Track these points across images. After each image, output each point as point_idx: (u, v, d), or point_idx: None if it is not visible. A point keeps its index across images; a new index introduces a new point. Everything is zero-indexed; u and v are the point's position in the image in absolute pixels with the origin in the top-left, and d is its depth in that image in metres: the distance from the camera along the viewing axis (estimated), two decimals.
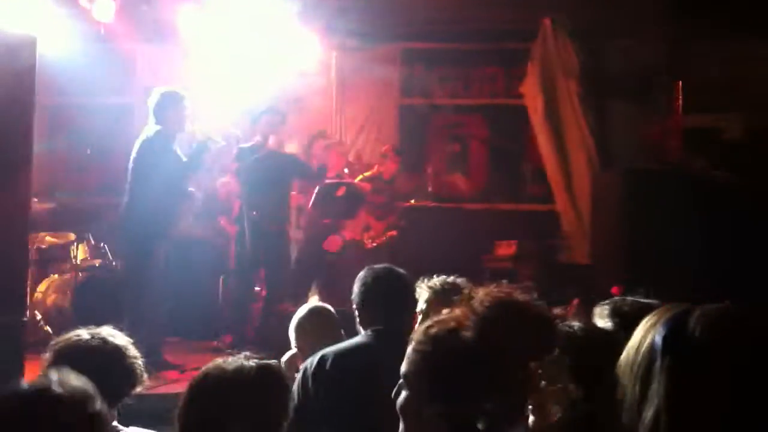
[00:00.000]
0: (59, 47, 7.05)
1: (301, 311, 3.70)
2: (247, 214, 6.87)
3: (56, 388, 1.76)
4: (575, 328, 2.19)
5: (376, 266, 3.39)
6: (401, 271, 3.36)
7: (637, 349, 1.36)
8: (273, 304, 6.85)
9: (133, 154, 6.18)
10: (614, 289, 5.25)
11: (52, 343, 2.65)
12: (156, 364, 6.13)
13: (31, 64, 4.70)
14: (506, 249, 8.05)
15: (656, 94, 7.99)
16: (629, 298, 2.66)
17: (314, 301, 7.09)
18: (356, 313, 3.31)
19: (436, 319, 1.78)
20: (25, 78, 4.68)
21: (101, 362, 2.52)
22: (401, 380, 1.78)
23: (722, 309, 1.35)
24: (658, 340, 1.32)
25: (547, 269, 7.85)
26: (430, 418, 1.69)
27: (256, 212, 6.69)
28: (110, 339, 2.64)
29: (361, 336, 3.21)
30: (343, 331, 3.65)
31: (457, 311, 1.82)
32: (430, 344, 1.72)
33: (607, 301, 2.68)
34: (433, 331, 1.74)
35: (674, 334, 1.31)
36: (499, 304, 1.83)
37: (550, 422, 1.91)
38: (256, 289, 7.16)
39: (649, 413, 1.29)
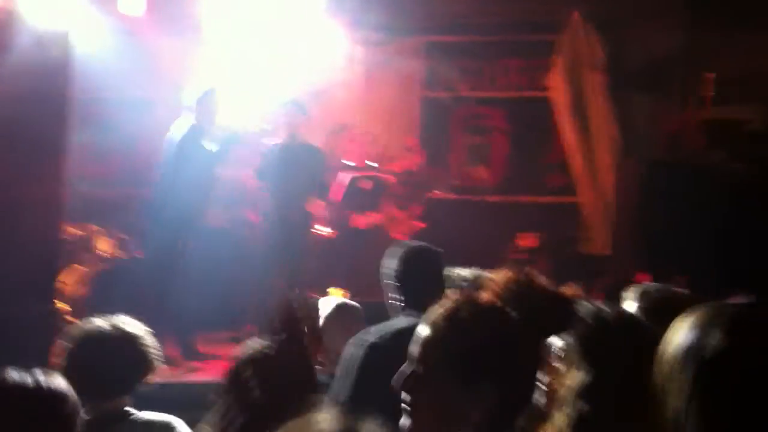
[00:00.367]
0: (86, 41, 7.15)
1: (328, 307, 3.63)
2: (271, 205, 6.91)
3: (34, 384, 1.93)
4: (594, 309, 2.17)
5: (412, 243, 3.34)
6: (436, 249, 3.29)
7: (666, 351, 1.31)
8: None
9: (166, 148, 6.32)
10: (639, 276, 5.27)
11: (67, 329, 2.72)
12: (190, 355, 6.28)
13: (66, 58, 4.80)
14: (528, 241, 8.08)
15: (677, 85, 7.94)
16: (659, 285, 2.66)
17: (336, 295, 7.15)
18: (392, 288, 3.17)
19: (455, 304, 1.75)
20: (59, 72, 4.79)
21: (113, 349, 2.61)
22: (407, 367, 1.75)
23: (754, 315, 1.28)
24: (686, 343, 1.27)
25: (568, 261, 7.86)
26: (455, 397, 1.67)
27: (289, 211, 6.64)
28: (122, 326, 2.68)
29: (411, 318, 3.03)
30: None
31: (480, 294, 1.84)
32: (465, 326, 1.70)
33: (636, 286, 2.68)
34: (463, 313, 1.71)
35: (701, 339, 1.25)
36: (523, 285, 1.84)
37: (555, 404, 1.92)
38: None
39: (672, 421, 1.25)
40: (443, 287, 3.10)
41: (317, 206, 6.90)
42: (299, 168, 6.74)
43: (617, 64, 8.30)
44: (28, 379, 1.94)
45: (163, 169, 6.35)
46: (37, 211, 4.64)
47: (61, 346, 2.67)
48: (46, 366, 4.43)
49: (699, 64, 7.46)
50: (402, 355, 2.72)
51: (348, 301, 3.84)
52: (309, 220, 7.04)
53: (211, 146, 6.29)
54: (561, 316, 1.79)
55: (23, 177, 4.65)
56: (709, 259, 6.09)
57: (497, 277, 1.88)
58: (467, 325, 1.70)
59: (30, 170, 4.71)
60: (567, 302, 1.94)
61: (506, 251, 8.10)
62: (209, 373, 5.89)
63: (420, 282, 3.11)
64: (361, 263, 7.46)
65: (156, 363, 2.73)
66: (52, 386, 1.96)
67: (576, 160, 8.45)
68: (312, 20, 8.01)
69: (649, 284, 2.73)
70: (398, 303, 3.15)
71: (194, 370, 5.94)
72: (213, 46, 8.30)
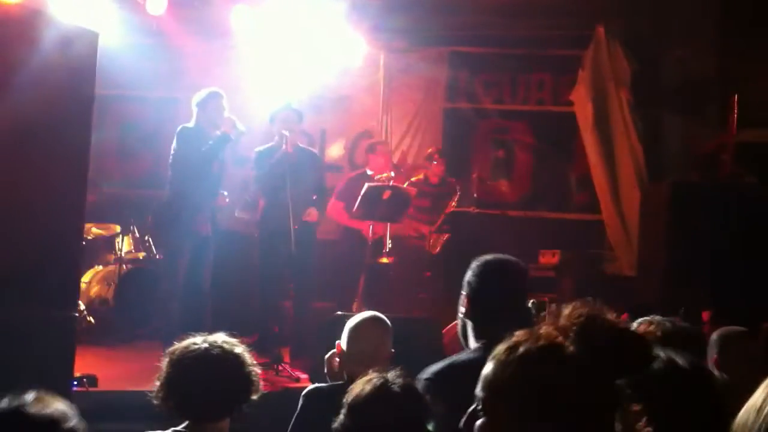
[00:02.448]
0: (109, 39, 7.09)
1: (361, 316, 3.49)
2: (270, 212, 6.72)
3: (30, 408, 1.90)
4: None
5: (493, 256, 2.94)
6: (519, 264, 2.94)
7: (759, 409, 1.25)
8: (303, 302, 6.80)
9: (173, 149, 6.40)
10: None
11: (169, 350, 2.62)
12: None
13: (92, 57, 4.72)
14: (549, 258, 7.98)
15: (710, 106, 7.86)
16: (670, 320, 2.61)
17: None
18: (464, 304, 2.86)
19: (516, 339, 1.66)
20: (85, 72, 4.70)
21: (222, 371, 2.54)
22: (475, 406, 1.67)
23: None
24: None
25: (590, 280, 7.76)
26: None
27: (288, 219, 6.41)
28: (228, 347, 2.61)
29: (473, 351, 2.81)
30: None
31: (543, 329, 1.76)
32: (523, 363, 1.61)
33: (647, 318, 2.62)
34: (522, 349, 1.63)
35: None
36: (590, 319, 1.76)
37: None
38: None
39: None
40: (520, 307, 2.85)
41: (312, 215, 6.70)
42: (295, 175, 6.44)
43: (648, 84, 8.21)
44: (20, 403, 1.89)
45: (169, 170, 6.38)
46: (59, 212, 4.54)
47: (161, 365, 2.61)
48: (69, 369, 4.37)
49: (731, 86, 7.36)
50: (456, 392, 2.36)
51: (378, 313, 3.73)
52: (311, 227, 6.83)
53: (206, 147, 6.24)
54: (631, 357, 1.70)
55: (45, 176, 4.54)
56: (738, 283, 6.00)
57: (566, 312, 1.78)
58: (530, 365, 1.61)
59: (52, 169, 4.61)
60: (639, 342, 1.84)
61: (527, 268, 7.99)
62: None
63: (492, 300, 2.79)
64: (387, 278, 7.39)
65: (260, 383, 2.66)
66: (46, 408, 1.90)
67: (599, 178, 8.37)
68: (333, 25, 7.94)
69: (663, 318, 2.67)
70: (464, 317, 2.87)
71: None
72: (235, 50, 8.26)
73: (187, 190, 6.22)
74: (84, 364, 5.87)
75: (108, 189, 8.00)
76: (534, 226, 8.58)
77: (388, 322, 3.46)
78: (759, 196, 6.77)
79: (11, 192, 4.24)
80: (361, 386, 2.19)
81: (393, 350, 3.39)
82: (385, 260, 7.47)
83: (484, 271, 2.87)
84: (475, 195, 8.13)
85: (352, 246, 7.59)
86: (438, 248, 7.74)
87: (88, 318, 6.89)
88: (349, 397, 2.18)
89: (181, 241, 6.28)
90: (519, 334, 1.69)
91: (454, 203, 7.85)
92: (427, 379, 2.67)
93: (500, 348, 1.68)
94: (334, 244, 7.78)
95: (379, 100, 9.15)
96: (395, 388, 2.14)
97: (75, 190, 4.68)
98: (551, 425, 1.57)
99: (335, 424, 2.15)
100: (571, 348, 1.63)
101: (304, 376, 5.73)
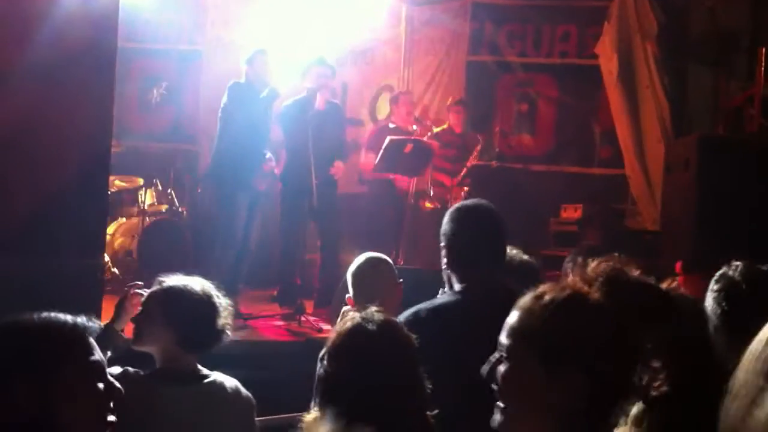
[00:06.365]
0: None
1: (358, 260, 3.50)
2: (292, 167, 6.73)
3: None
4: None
5: (467, 201, 3.00)
6: (491, 206, 2.91)
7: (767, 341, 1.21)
8: (331, 255, 6.83)
9: (222, 110, 6.39)
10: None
11: (159, 279, 2.76)
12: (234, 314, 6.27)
13: (114, 10, 4.70)
14: (572, 212, 7.96)
15: (738, 60, 7.72)
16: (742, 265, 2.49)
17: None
18: (443, 252, 2.87)
19: (542, 289, 1.69)
20: (107, 24, 4.69)
21: (199, 306, 2.66)
22: (496, 354, 1.69)
23: None
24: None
25: (612, 234, 7.72)
26: (543, 387, 1.61)
27: (314, 172, 6.38)
28: (207, 288, 2.73)
29: (449, 295, 2.84)
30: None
31: (569, 279, 1.76)
32: (549, 310, 1.63)
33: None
34: (548, 297, 1.65)
35: None
36: (616, 272, 1.76)
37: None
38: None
39: (762, 414, 1.15)
40: (499, 248, 2.84)
41: (339, 168, 6.73)
42: (323, 129, 6.45)
43: (676, 35, 8.07)
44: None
45: (220, 130, 6.41)
46: (85, 164, 4.58)
47: (149, 296, 2.76)
48: (97, 316, 4.45)
49: (760, 39, 7.21)
50: (438, 332, 2.54)
51: (378, 254, 3.71)
52: (334, 180, 6.83)
53: (260, 104, 6.27)
54: (653, 311, 1.72)
55: (69, 128, 4.57)
56: (763, 240, 5.93)
57: (592, 266, 1.78)
58: (556, 312, 1.63)
59: (77, 122, 4.64)
60: (661, 296, 1.84)
61: (549, 222, 7.99)
62: (253, 333, 5.90)
63: (469, 244, 2.80)
64: (416, 233, 7.39)
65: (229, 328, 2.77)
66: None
67: (623, 132, 8.29)
68: None
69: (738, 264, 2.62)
70: (446, 269, 2.87)
71: (238, 328, 5.91)
72: (259, 1, 8.20)
73: (241, 143, 6.26)
74: (111, 313, 5.97)
75: (130, 142, 8.03)
76: (557, 181, 8.55)
77: (386, 258, 3.45)
78: None
79: (36, 144, 4.28)
80: (337, 329, 2.17)
81: (401, 280, 3.38)
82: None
83: (457, 216, 2.87)
84: (497, 149, 8.08)
85: (381, 197, 7.55)
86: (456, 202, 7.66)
87: (112, 269, 6.98)
88: (327, 342, 2.17)
89: (239, 196, 6.33)
90: (545, 285, 1.71)
91: (475, 154, 7.80)
92: (409, 319, 2.67)
93: (526, 297, 1.70)
94: (357, 197, 7.77)
95: (401, 54, 9.09)
96: (371, 326, 2.11)
97: (99, 142, 4.70)
98: (575, 371, 1.59)
99: (318, 371, 2.15)
100: (597, 296, 1.64)
101: (327, 327, 5.77)
